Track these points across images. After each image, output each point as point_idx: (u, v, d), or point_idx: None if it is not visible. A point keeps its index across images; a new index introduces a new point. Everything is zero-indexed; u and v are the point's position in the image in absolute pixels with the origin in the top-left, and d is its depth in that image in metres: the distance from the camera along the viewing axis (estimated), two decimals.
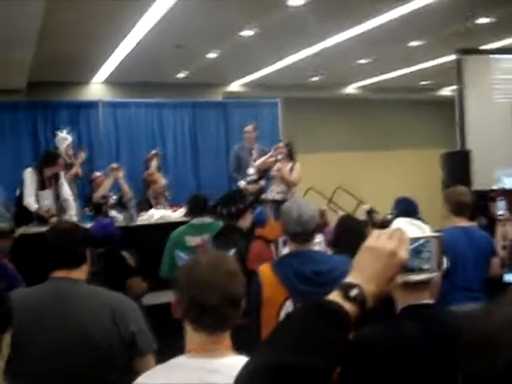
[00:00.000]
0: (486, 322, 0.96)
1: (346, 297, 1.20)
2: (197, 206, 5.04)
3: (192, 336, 1.80)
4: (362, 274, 1.24)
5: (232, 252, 4.18)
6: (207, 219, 4.95)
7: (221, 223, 4.82)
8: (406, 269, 1.29)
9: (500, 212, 4.67)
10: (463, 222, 4.27)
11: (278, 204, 6.67)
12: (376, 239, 1.27)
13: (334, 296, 1.21)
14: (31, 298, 2.51)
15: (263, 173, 7.93)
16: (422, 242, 1.34)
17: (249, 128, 8.27)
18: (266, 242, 4.20)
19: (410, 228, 1.83)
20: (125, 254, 4.63)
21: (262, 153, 8.18)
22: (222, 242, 4.15)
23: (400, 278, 1.28)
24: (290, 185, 7.65)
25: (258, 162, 7.80)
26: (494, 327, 0.93)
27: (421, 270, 1.36)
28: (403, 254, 1.25)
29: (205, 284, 1.76)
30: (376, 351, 1.77)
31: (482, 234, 4.40)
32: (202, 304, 1.75)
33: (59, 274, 2.52)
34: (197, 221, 4.93)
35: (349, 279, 1.24)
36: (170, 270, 4.68)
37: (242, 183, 7.92)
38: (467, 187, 7.24)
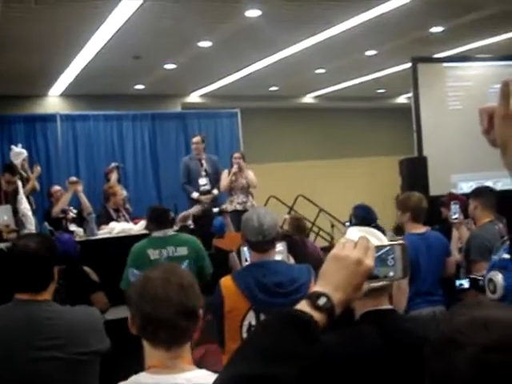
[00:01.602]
0: (449, 323, 0.99)
1: (315, 306, 1.20)
2: (158, 219, 4.98)
3: (150, 352, 1.77)
4: (330, 282, 1.25)
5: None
6: (169, 231, 4.91)
7: (184, 235, 4.83)
8: (372, 276, 1.30)
9: (454, 216, 4.75)
10: (419, 228, 4.35)
11: (239, 214, 6.68)
12: (342, 248, 1.28)
13: (303, 305, 1.22)
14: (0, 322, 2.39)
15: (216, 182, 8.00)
16: (386, 249, 1.35)
17: (196, 139, 8.26)
18: (224, 253, 4.22)
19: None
20: (87, 268, 4.56)
21: (211, 161, 8.25)
22: None
23: (366, 286, 1.30)
24: (254, 187, 7.83)
25: (224, 184, 7.78)
26: (456, 328, 0.96)
27: (386, 278, 1.37)
28: (369, 261, 1.26)
29: (158, 299, 1.73)
30: (334, 358, 1.76)
31: (436, 236, 4.49)
32: (156, 319, 1.72)
33: (24, 296, 2.40)
34: (158, 233, 4.87)
35: (316, 288, 1.25)
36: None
37: (195, 194, 7.93)
38: (424, 193, 7.43)
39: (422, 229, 4.36)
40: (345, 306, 1.26)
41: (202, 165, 8.15)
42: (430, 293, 4.20)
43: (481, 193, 4.66)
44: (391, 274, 1.35)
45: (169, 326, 1.72)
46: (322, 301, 1.21)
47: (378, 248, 1.34)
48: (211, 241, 5.51)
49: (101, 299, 4.23)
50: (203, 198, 7.91)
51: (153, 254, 4.70)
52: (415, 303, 3.93)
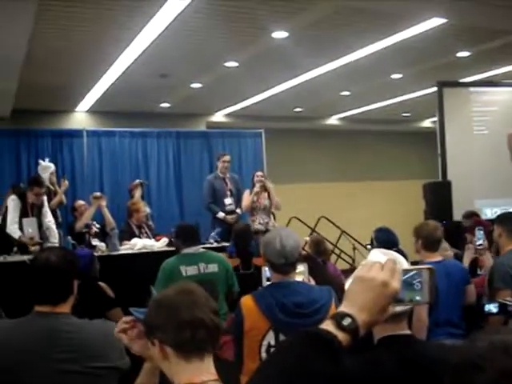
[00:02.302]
0: (470, 348, 1.00)
1: (339, 326, 1.21)
2: (188, 236, 5.01)
3: (181, 368, 1.69)
4: (355, 303, 1.25)
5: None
6: (200, 248, 4.96)
7: (214, 253, 4.86)
8: (398, 299, 1.30)
9: (478, 242, 4.69)
10: (433, 257, 4.27)
11: (260, 235, 6.68)
12: (368, 269, 1.29)
13: (327, 325, 1.22)
14: (17, 333, 2.41)
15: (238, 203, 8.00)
16: (413, 273, 1.34)
17: (228, 158, 8.25)
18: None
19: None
20: (102, 284, 4.58)
21: (234, 180, 8.26)
22: None
23: (391, 309, 1.30)
24: (278, 209, 7.85)
25: (246, 203, 7.77)
26: (477, 353, 0.97)
27: (412, 301, 1.37)
28: (395, 284, 1.26)
29: (192, 302, 1.72)
30: (353, 383, 1.76)
31: (455, 263, 4.45)
32: (194, 321, 1.69)
33: (43, 308, 2.43)
34: (189, 250, 4.89)
35: (341, 308, 1.26)
36: None
37: (221, 214, 7.90)
38: (448, 218, 7.38)
39: (436, 257, 4.24)
40: (369, 327, 1.26)
41: (226, 184, 8.16)
42: (451, 323, 4.11)
43: (506, 219, 4.58)
44: (418, 298, 1.34)
45: (205, 325, 1.70)
46: (346, 321, 1.22)
47: (405, 271, 1.33)
48: (250, 260, 5.49)
49: (118, 316, 4.23)
50: (229, 217, 7.89)
51: (185, 270, 4.73)
52: (435, 334, 3.88)
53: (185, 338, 1.69)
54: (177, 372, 1.69)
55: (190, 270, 4.74)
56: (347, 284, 1.36)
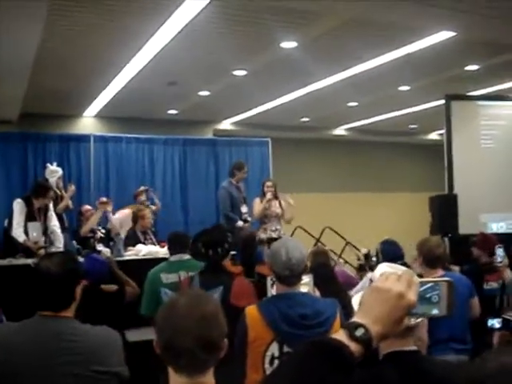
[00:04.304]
0: (481, 368, 0.99)
1: (352, 336, 1.19)
2: (175, 243, 5.05)
3: (173, 377, 1.77)
4: (369, 314, 1.23)
5: (220, 290, 4.18)
6: (185, 256, 4.95)
7: (198, 261, 4.84)
8: (414, 312, 1.28)
9: (499, 260, 4.73)
10: (434, 274, 4.23)
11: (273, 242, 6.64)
12: (384, 280, 1.27)
13: (340, 335, 1.21)
14: (21, 336, 2.42)
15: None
16: (431, 285, 1.32)
17: (246, 168, 8.24)
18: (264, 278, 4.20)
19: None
20: (105, 287, 4.61)
21: (243, 190, 8.23)
22: (208, 279, 4.14)
23: (407, 321, 1.28)
24: (290, 219, 7.85)
25: (258, 211, 7.74)
26: (486, 373, 0.96)
27: (429, 314, 1.34)
28: (412, 296, 1.24)
29: (178, 328, 1.73)
30: None
31: (459, 278, 4.43)
32: (176, 347, 1.72)
33: (46, 313, 2.45)
34: (174, 258, 4.95)
35: (355, 318, 1.24)
36: (148, 309, 4.64)
37: (240, 223, 7.82)
38: (454, 231, 7.36)
39: (437, 273, 4.16)
40: (383, 339, 1.24)
41: (241, 192, 8.13)
42: (455, 338, 4.07)
43: None
44: (435, 311, 1.31)
45: (188, 355, 1.71)
46: (359, 332, 1.20)
47: (422, 283, 1.30)
48: (253, 268, 5.47)
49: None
50: (246, 226, 7.81)
51: (166, 277, 4.75)
52: (439, 349, 3.84)
53: (169, 358, 1.76)
54: (170, 376, 1.78)
55: (170, 278, 4.77)
56: (360, 296, 1.34)
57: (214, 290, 3.90)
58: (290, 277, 2.91)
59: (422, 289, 1.29)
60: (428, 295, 1.31)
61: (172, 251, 5.05)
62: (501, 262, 4.74)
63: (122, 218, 7.77)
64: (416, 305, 1.26)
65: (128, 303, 4.69)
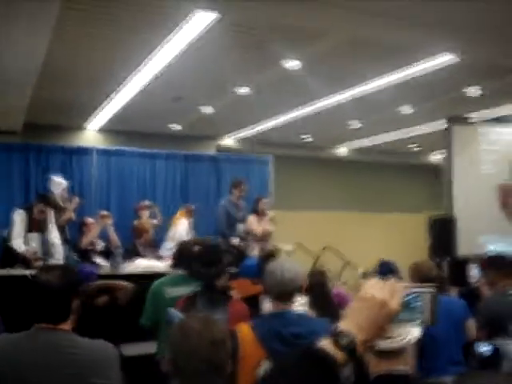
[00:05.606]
0: None
1: (337, 344, 1.21)
2: (181, 257, 5.04)
3: None
4: (354, 321, 1.25)
5: (220, 312, 4.17)
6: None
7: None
8: (398, 319, 1.29)
9: (474, 279, 4.77)
10: None
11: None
12: (369, 289, 1.29)
13: (325, 343, 1.22)
14: (20, 348, 2.43)
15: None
16: (415, 295, 1.34)
17: (246, 187, 8.27)
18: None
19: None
20: (97, 300, 4.62)
21: (243, 208, 8.25)
22: (206, 300, 4.10)
23: (391, 329, 1.29)
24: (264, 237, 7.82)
25: (261, 229, 7.75)
26: None
27: (412, 322, 1.36)
28: (395, 304, 1.26)
29: (191, 353, 1.79)
30: None
31: (454, 301, 4.45)
32: (187, 372, 1.78)
33: (45, 325, 2.46)
34: (178, 272, 4.94)
35: (341, 327, 1.26)
36: (148, 320, 4.65)
37: (235, 241, 7.86)
38: (452, 253, 7.37)
39: None
40: (367, 346, 1.25)
41: (239, 210, 8.15)
42: (452, 361, 4.07)
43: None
44: (418, 319, 1.34)
45: (197, 376, 1.79)
46: (344, 340, 1.22)
47: (407, 293, 1.33)
48: None
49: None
50: (243, 244, 7.88)
51: (169, 291, 4.74)
52: (436, 371, 3.85)
53: (180, 380, 1.83)
54: None
55: (173, 292, 4.75)
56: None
57: (212, 312, 3.87)
58: (280, 293, 2.92)
59: (406, 298, 1.31)
60: (412, 305, 1.33)
61: (176, 264, 5.05)
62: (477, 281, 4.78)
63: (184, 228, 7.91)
64: (399, 312, 1.28)
65: (125, 306, 4.69)
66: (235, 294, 4.42)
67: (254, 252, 7.46)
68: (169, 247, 7.25)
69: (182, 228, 8.21)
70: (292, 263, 3.08)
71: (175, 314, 3.74)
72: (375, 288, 1.29)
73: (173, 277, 4.91)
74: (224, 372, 1.85)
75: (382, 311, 1.25)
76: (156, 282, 4.90)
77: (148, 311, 4.72)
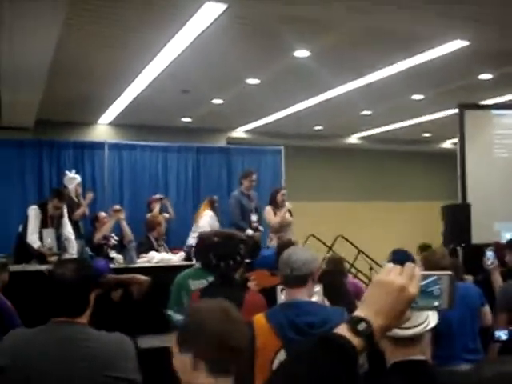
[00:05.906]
0: (477, 377, 1.00)
1: (354, 330, 1.19)
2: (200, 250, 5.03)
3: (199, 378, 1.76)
4: (371, 307, 1.23)
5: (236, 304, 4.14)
6: None
7: None
8: (416, 305, 1.27)
9: (489, 262, 4.73)
10: None
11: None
12: (387, 274, 1.27)
13: (342, 329, 1.20)
14: (36, 342, 2.44)
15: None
16: (433, 278, 1.31)
17: (255, 176, 8.23)
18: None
19: None
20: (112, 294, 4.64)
21: (255, 197, 8.22)
22: (218, 293, 4.08)
23: (409, 314, 1.28)
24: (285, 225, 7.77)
25: (278, 220, 7.74)
26: (486, 382, 0.96)
27: (430, 307, 1.34)
28: (413, 289, 1.24)
29: (232, 325, 1.78)
30: None
31: (470, 287, 4.42)
32: (230, 346, 1.75)
33: (61, 319, 2.47)
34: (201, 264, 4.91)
35: (357, 312, 1.24)
36: (172, 309, 4.65)
37: (250, 232, 7.81)
38: (467, 240, 7.33)
39: None
40: (385, 332, 1.24)
41: (251, 201, 8.13)
42: (467, 349, 4.04)
43: None
44: (436, 304, 1.31)
45: (242, 353, 1.77)
46: (361, 326, 1.20)
47: (425, 277, 1.30)
48: None
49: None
50: (257, 235, 7.86)
51: (193, 284, 4.73)
52: (452, 360, 3.82)
53: (222, 361, 1.76)
54: None
55: (197, 284, 4.74)
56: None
57: None
58: (290, 276, 2.91)
59: (423, 282, 1.29)
60: (430, 289, 1.31)
61: (196, 257, 5.03)
62: (491, 265, 4.74)
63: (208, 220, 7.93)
64: (417, 298, 1.26)
65: (141, 299, 4.69)
66: (253, 285, 4.41)
67: (273, 243, 7.45)
68: (191, 242, 7.25)
69: (204, 219, 8.20)
70: (305, 249, 3.07)
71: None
72: (393, 272, 1.26)
73: (196, 269, 4.90)
74: (242, 355, 1.81)
75: (401, 296, 1.23)
76: (181, 275, 4.88)
77: (176, 303, 4.71)
